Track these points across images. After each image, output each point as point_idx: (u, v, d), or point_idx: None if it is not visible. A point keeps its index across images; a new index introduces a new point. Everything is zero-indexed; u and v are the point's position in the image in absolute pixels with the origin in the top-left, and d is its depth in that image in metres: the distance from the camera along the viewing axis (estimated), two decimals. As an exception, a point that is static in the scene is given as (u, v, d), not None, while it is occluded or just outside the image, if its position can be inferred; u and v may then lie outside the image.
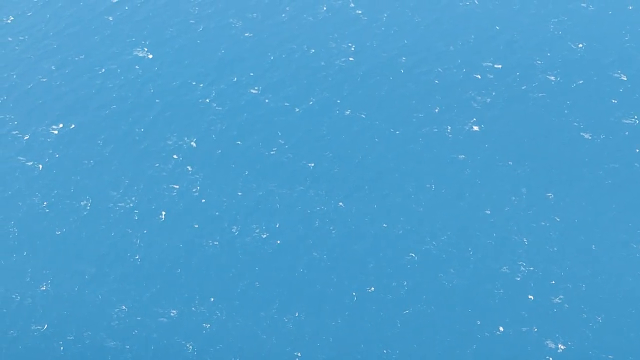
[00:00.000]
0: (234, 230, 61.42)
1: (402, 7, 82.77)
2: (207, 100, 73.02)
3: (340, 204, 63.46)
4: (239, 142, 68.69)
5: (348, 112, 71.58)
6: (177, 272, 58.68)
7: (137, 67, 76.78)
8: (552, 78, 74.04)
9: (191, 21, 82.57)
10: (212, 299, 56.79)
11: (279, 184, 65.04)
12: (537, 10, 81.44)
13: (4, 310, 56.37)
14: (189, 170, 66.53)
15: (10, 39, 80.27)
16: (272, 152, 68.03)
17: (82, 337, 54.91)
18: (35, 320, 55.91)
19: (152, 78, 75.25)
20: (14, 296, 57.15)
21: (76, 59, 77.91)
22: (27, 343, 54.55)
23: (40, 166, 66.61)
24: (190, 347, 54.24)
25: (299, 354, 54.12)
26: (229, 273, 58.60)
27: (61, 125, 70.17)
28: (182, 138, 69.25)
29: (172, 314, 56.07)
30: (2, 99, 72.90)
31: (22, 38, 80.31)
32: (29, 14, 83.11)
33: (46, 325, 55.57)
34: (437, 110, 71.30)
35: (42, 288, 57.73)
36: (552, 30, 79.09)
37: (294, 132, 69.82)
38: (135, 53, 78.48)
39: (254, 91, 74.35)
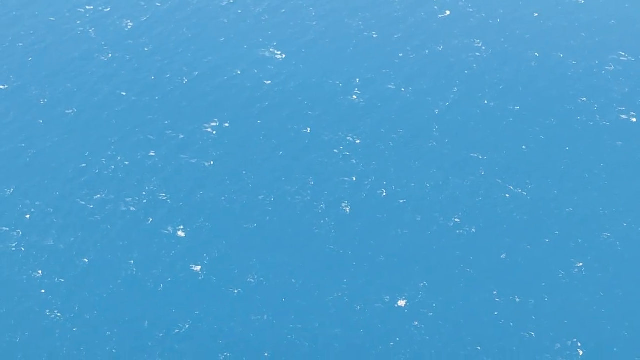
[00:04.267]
0: (443, 220, 61.97)
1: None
2: (354, 97, 73.53)
3: (520, 190, 64.51)
4: (394, 135, 69.28)
5: (493, 104, 72.77)
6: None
7: (270, 66, 77.01)
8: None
9: (313, 23, 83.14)
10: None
11: (454, 174, 65.76)
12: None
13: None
14: (354, 163, 66.91)
15: (130, 41, 79.89)
16: (432, 144, 68.76)
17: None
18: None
19: (291, 77, 75.54)
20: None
21: (204, 60, 77.81)
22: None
23: (212, 162, 66.31)
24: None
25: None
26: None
27: (214, 124, 69.97)
28: (336, 133, 69.57)
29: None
30: (148, 99, 72.43)
31: (143, 40, 79.99)
32: (143, 19, 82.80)
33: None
34: (583, 100, 72.96)
35: (293, 281, 57.46)
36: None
37: (446, 124, 70.70)
38: (263, 53, 78.73)
39: (391, 86, 75.13)
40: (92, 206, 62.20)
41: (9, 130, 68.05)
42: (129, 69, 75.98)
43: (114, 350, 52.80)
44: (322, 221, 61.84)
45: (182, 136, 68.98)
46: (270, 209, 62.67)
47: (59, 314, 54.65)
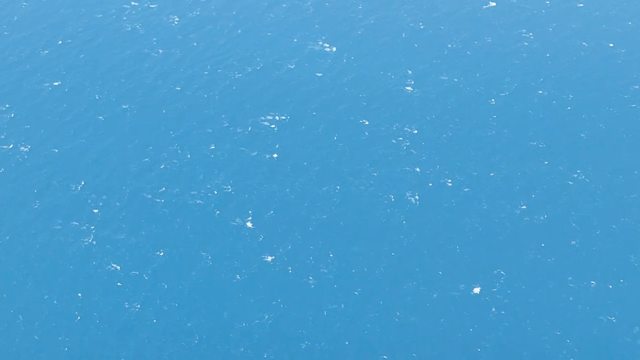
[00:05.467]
0: (510, 207, 62.21)
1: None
2: (408, 89, 73.73)
3: (584, 177, 64.73)
4: (452, 125, 69.50)
5: (547, 94, 73.00)
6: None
7: (321, 60, 77.16)
8: None
9: (359, 16, 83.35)
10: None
11: (516, 162, 65.96)
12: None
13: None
14: (414, 153, 67.05)
15: (180, 37, 79.97)
16: (491, 133, 68.96)
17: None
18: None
19: (343, 70, 75.72)
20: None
21: (255, 55, 77.93)
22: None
23: (275, 155, 66.47)
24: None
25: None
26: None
27: (271, 117, 70.09)
28: (393, 124, 69.79)
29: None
30: (203, 94, 72.54)
31: (192, 36, 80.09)
32: (189, 15, 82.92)
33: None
34: (636, 88, 73.23)
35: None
36: None
37: (504, 113, 70.91)
38: (312, 47, 78.90)
39: (444, 77, 75.34)
40: (159, 200, 62.27)
41: (71, 128, 68.10)
42: (181, 65, 76.08)
43: (196, 341, 52.90)
44: (389, 210, 61.99)
45: (239, 130, 69.10)
46: (336, 199, 62.81)
47: (138, 306, 54.74)
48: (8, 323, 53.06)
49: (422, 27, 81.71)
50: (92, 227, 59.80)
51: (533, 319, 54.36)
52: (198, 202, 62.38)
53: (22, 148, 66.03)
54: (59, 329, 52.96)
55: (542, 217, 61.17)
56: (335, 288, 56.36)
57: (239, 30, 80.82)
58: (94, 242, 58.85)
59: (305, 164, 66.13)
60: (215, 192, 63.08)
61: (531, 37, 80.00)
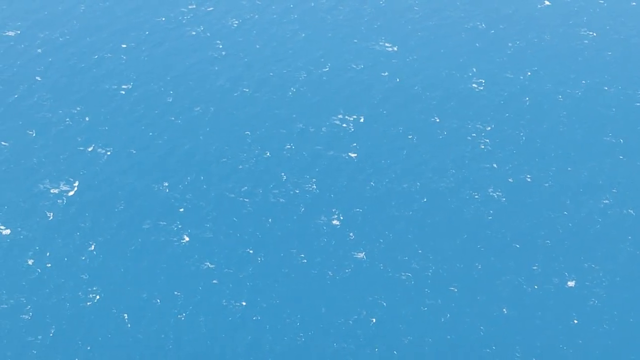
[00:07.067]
0: (593, 202, 62.57)
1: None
2: (474, 86, 74.13)
3: None
4: (522, 122, 69.96)
5: (613, 90, 73.52)
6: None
7: (384, 59, 77.52)
8: None
9: (416, 16, 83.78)
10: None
11: (592, 157, 66.39)
12: None
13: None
14: (490, 150, 67.37)
15: (241, 39, 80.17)
16: (563, 129, 69.39)
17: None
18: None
19: (408, 69, 76.11)
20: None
21: (317, 55, 78.25)
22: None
23: (350, 153, 66.72)
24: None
25: None
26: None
27: (344, 117, 70.36)
28: (465, 121, 70.17)
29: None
30: (271, 94, 72.79)
31: (252, 37, 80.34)
32: (247, 16, 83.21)
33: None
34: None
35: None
36: None
37: (573, 109, 71.39)
38: (373, 47, 79.25)
39: (509, 75, 75.78)
40: (242, 199, 62.43)
41: (149, 130, 68.19)
42: (245, 66, 76.27)
43: (300, 334, 53.03)
44: (473, 206, 62.27)
45: (312, 130, 69.31)
46: (418, 196, 63.05)
47: (236, 304, 54.86)
48: (115, 323, 53.09)
49: (483, 26, 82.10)
50: (181, 227, 59.89)
51: (636, 310, 54.65)
52: (281, 200, 62.56)
53: (100, 150, 66.11)
54: (163, 327, 53.01)
55: (628, 211, 61.50)
56: (429, 284, 56.56)
57: (302, 34, 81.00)
58: (184, 242, 58.94)
59: (382, 162, 66.34)
60: (297, 191, 63.27)
61: (590, 35, 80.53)
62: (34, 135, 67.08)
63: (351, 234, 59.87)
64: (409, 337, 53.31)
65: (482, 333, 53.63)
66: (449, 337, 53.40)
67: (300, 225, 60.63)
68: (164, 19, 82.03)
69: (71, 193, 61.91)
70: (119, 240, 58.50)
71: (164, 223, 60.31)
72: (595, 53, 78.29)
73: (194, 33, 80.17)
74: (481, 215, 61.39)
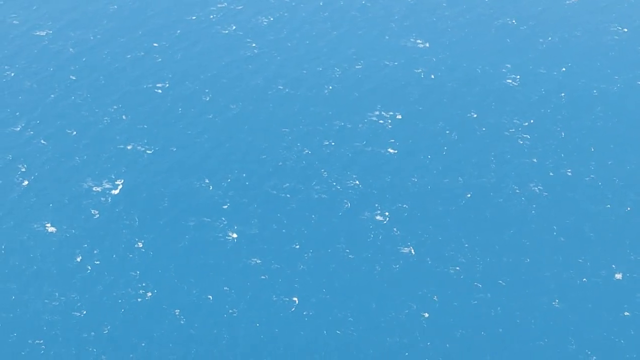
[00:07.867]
0: (634, 196, 62.67)
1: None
2: (509, 81, 74.27)
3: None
4: (559, 116, 70.06)
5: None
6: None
7: (417, 56, 77.64)
8: None
9: (445, 13, 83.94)
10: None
11: (632, 152, 66.51)
12: None
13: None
14: (528, 145, 67.48)
15: (272, 37, 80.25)
16: (600, 123, 69.52)
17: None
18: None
19: (441, 65, 76.24)
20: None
21: (350, 52, 78.37)
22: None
23: (393, 150, 66.80)
24: None
25: None
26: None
27: (380, 113, 70.47)
28: (501, 116, 70.29)
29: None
30: (306, 92, 72.85)
31: (283, 35, 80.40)
32: (276, 14, 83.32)
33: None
34: None
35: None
36: None
37: (609, 104, 71.59)
38: (405, 44, 79.38)
39: (542, 70, 75.92)
40: (284, 195, 62.48)
41: (188, 129, 68.28)
42: (279, 65, 76.38)
43: (352, 329, 53.07)
44: (516, 200, 62.35)
45: (350, 126, 69.40)
46: (461, 192, 63.14)
47: (286, 299, 54.89)
48: (168, 320, 53.11)
49: (513, 23, 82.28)
50: (226, 223, 59.92)
51: (682, 302, 54.81)
52: (323, 196, 62.62)
53: (140, 148, 66.15)
54: (216, 323, 53.04)
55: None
56: (478, 278, 56.61)
57: (333, 32, 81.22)
58: (231, 238, 58.96)
59: (423, 158, 66.41)
60: (339, 188, 63.33)
61: (621, 31, 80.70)
62: (74, 134, 67.13)
63: (396, 230, 59.90)
64: (460, 331, 53.34)
65: (533, 326, 53.65)
66: (500, 330, 53.44)
67: (345, 221, 60.67)
68: (194, 17, 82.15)
69: (115, 192, 61.94)
70: (166, 237, 58.51)
71: (209, 220, 60.32)
72: (627, 48, 78.44)
73: (225, 32, 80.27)
74: (525, 210, 61.45)
